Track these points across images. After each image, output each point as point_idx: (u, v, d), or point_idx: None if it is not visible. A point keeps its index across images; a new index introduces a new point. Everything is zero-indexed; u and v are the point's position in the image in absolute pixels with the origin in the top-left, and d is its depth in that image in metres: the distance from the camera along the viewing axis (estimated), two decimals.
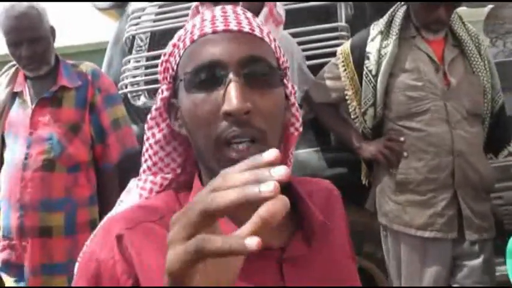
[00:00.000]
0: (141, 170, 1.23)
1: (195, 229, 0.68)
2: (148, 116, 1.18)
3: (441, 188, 2.64)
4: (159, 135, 1.18)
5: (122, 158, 2.94)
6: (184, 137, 1.14)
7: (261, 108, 1.02)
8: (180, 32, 1.13)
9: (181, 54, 1.09)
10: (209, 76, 1.03)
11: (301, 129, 1.22)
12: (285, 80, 1.14)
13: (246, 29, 1.07)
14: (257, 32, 1.08)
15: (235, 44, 1.04)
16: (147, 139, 1.19)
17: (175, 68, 1.11)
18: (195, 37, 1.07)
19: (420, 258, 2.68)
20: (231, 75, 1.00)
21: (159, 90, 1.16)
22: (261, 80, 1.04)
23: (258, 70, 1.04)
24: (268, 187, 0.64)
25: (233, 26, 1.06)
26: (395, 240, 2.76)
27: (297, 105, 1.18)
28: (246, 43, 1.05)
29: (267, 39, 1.10)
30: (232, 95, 0.98)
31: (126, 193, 1.27)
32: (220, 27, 1.06)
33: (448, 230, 2.64)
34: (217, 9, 1.12)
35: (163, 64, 1.15)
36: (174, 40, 1.13)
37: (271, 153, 0.68)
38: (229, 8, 1.13)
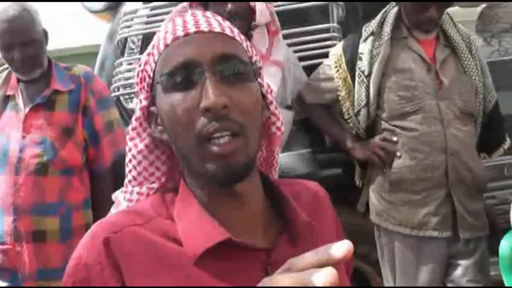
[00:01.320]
0: (126, 180, 1.23)
1: None
2: (129, 127, 1.19)
3: (435, 186, 2.65)
4: (141, 145, 1.19)
5: (115, 159, 2.92)
6: (167, 145, 1.16)
7: (238, 102, 1.04)
8: (154, 41, 1.15)
9: (156, 60, 1.11)
10: (185, 76, 1.05)
11: (283, 128, 1.23)
12: (259, 79, 1.16)
13: (217, 29, 1.10)
14: (228, 32, 1.11)
15: (207, 43, 1.07)
16: (130, 150, 1.20)
17: (151, 75, 1.12)
18: (168, 41, 1.09)
19: (415, 258, 2.69)
20: (206, 74, 1.03)
21: (137, 101, 1.17)
22: (235, 76, 1.06)
23: (232, 67, 1.06)
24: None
25: (204, 27, 1.09)
26: (389, 239, 2.77)
27: (275, 103, 1.20)
28: (218, 42, 1.08)
29: (238, 38, 1.13)
30: (209, 91, 1.01)
31: (114, 208, 1.27)
32: (192, 29, 1.09)
33: (442, 228, 2.65)
34: (188, 15, 1.15)
35: (139, 74, 1.16)
36: (149, 49, 1.15)
37: (343, 249, 0.74)
38: (199, 13, 1.16)
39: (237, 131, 1.03)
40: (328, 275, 0.69)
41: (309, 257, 0.75)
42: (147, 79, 1.13)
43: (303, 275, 0.71)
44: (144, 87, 1.15)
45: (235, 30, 1.15)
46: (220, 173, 1.02)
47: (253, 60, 1.14)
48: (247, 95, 1.07)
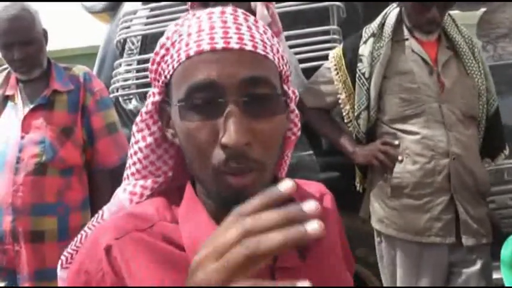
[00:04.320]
0: (128, 172, 1.19)
1: (233, 273, 0.68)
2: (138, 119, 1.15)
3: (437, 191, 2.62)
4: (149, 139, 1.14)
5: (122, 161, 2.92)
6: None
7: (261, 138, 0.98)
8: (174, 37, 1.05)
9: (175, 66, 1.02)
10: (206, 101, 0.97)
11: (299, 133, 1.19)
12: (285, 87, 1.10)
13: (249, 46, 0.99)
14: (260, 49, 1.01)
15: (235, 65, 0.97)
16: (136, 142, 1.16)
17: (168, 77, 1.04)
18: (191, 52, 0.99)
19: (416, 264, 2.66)
20: (230, 105, 0.95)
21: (150, 93, 1.12)
22: (262, 107, 0.98)
23: (260, 96, 0.98)
24: (314, 226, 0.64)
25: (234, 43, 0.99)
26: (391, 246, 2.74)
27: (296, 112, 1.15)
28: (248, 64, 0.98)
29: (270, 55, 1.03)
30: (231, 128, 0.94)
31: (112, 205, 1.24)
32: (220, 44, 0.98)
33: (445, 234, 2.61)
34: (217, 15, 1.04)
35: (155, 65, 1.08)
36: (168, 44, 1.06)
37: (287, 186, 0.68)
38: (229, 13, 1.05)
39: (255, 168, 0.98)
40: (313, 203, 0.67)
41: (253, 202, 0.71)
42: (163, 77, 1.06)
43: (288, 211, 0.68)
44: (158, 81, 1.09)
45: (268, 42, 1.05)
46: (233, 200, 0.94)
47: (283, 72, 1.09)
48: (272, 128, 1.00)
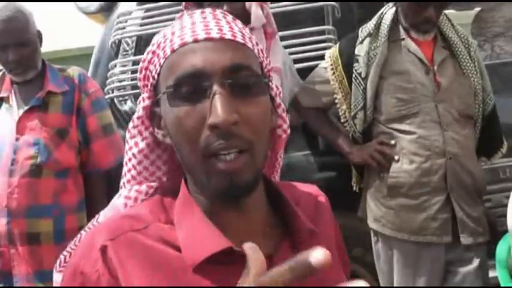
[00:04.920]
0: (124, 180, 1.21)
1: None
2: (130, 125, 1.16)
3: (434, 191, 2.62)
4: (142, 144, 1.16)
5: (117, 163, 2.91)
6: (169, 145, 1.12)
7: (248, 118, 1.00)
8: (159, 39, 1.11)
9: (161, 63, 1.06)
10: (192, 88, 1.01)
11: (289, 131, 1.20)
12: (270, 83, 1.12)
13: (228, 35, 1.04)
14: (239, 38, 1.06)
15: (217, 52, 1.02)
16: (130, 148, 1.17)
17: (156, 77, 1.08)
18: (175, 46, 1.04)
19: (413, 263, 2.66)
20: (215, 87, 0.98)
21: (140, 99, 1.14)
22: (246, 89, 1.02)
23: (243, 79, 1.02)
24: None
25: (214, 33, 1.04)
26: (387, 245, 2.74)
27: (283, 106, 1.17)
28: (229, 51, 1.03)
29: (249, 44, 1.08)
30: (218, 107, 0.96)
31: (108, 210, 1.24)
32: (201, 35, 1.04)
33: (441, 234, 2.62)
34: (197, 15, 1.10)
35: (143, 71, 1.12)
36: (153, 47, 1.11)
37: (319, 258, 0.67)
38: (208, 12, 1.11)
39: (245, 148, 0.99)
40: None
41: (284, 273, 0.70)
42: (150, 79, 1.10)
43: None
44: (147, 86, 1.12)
45: (247, 34, 1.10)
46: (226, 189, 0.99)
47: (264, 65, 1.12)
48: (258, 109, 1.03)
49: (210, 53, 1.01)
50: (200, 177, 1.03)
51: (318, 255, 0.65)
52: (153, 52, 1.10)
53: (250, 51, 1.07)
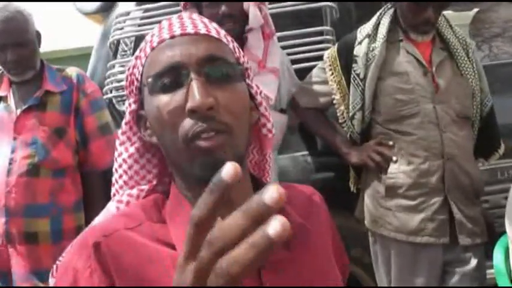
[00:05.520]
0: (116, 186, 1.22)
1: None
2: (119, 132, 1.20)
3: (431, 192, 2.62)
4: (131, 149, 1.19)
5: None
6: (157, 148, 1.16)
7: (224, 103, 1.04)
8: (141, 45, 1.16)
9: (143, 63, 1.12)
10: (171, 78, 1.06)
11: (274, 130, 1.22)
12: (248, 80, 1.16)
13: (203, 31, 1.11)
14: (214, 33, 1.12)
15: (193, 45, 1.08)
16: (120, 155, 1.20)
17: (139, 78, 1.13)
18: (154, 44, 1.11)
19: (410, 264, 2.65)
20: (192, 75, 1.04)
21: (126, 104, 1.18)
22: (221, 77, 1.07)
23: (218, 68, 1.07)
24: (276, 229, 0.57)
25: (190, 29, 1.10)
26: (385, 246, 2.74)
27: (265, 104, 1.19)
28: (204, 44, 1.09)
29: (224, 39, 1.13)
30: (194, 92, 1.02)
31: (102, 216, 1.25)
32: (178, 31, 1.10)
33: (439, 235, 2.61)
34: (174, 17, 1.16)
35: (128, 78, 1.17)
36: (137, 53, 1.16)
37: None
38: (185, 15, 1.17)
39: (223, 130, 1.03)
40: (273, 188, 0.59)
41: (204, 197, 0.66)
42: (135, 82, 1.14)
43: (246, 208, 0.62)
44: (132, 91, 1.16)
45: (222, 32, 1.16)
46: (208, 170, 0.98)
47: (241, 61, 1.15)
48: (234, 95, 1.07)
49: (186, 46, 1.08)
50: (183, 163, 1.06)
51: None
52: (136, 57, 1.16)
53: (224, 45, 1.13)
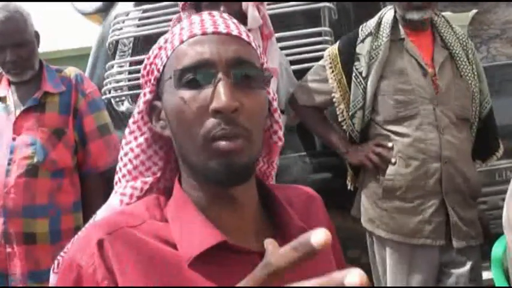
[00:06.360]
0: (119, 175, 1.22)
1: None
2: (130, 120, 1.19)
3: (429, 194, 2.61)
4: (141, 139, 1.18)
5: (114, 163, 2.91)
6: (166, 140, 1.16)
7: (248, 108, 1.04)
8: (167, 36, 1.15)
9: (168, 55, 1.11)
10: (198, 75, 1.05)
11: (283, 138, 1.22)
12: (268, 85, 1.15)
13: (234, 32, 1.10)
14: (244, 36, 1.11)
15: (223, 45, 1.07)
16: (128, 143, 1.20)
17: (161, 69, 1.12)
18: (184, 37, 1.09)
19: (407, 265, 2.65)
20: (220, 75, 1.03)
21: (141, 94, 1.17)
22: (247, 81, 1.06)
23: (245, 71, 1.06)
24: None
25: (222, 28, 1.09)
26: (381, 246, 2.74)
27: (279, 111, 1.20)
28: (234, 45, 1.08)
29: (253, 44, 1.13)
30: (221, 93, 1.01)
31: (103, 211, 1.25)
32: (210, 29, 1.09)
33: (435, 237, 2.61)
34: (206, 15, 1.14)
35: (147, 67, 1.16)
36: (161, 43, 1.15)
37: (320, 238, 0.69)
38: (216, 13, 1.15)
39: (243, 135, 1.03)
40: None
41: (288, 253, 0.71)
42: (155, 73, 1.13)
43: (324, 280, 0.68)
44: (150, 80, 1.15)
45: (251, 36, 1.15)
46: (223, 172, 1.02)
47: (264, 67, 1.15)
48: (257, 101, 1.07)
49: (217, 45, 1.07)
50: (198, 161, 1.06)
51: (318, 235, 0.68)
52: (160, 47, 1.14)
53: (253, 50, 1.12)
